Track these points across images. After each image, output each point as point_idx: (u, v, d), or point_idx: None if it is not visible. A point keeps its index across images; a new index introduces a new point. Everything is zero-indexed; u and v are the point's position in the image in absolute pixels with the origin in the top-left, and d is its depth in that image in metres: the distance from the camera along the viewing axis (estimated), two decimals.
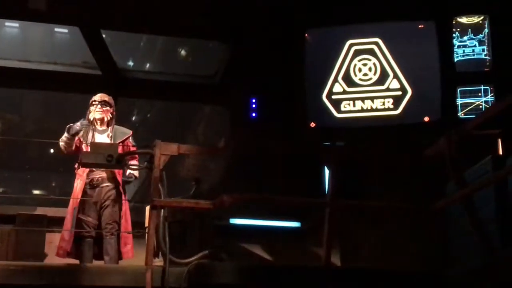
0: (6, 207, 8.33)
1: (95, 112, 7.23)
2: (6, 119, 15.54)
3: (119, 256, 7.02)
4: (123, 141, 7.10)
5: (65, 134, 6.96)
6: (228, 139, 8.94)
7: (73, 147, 7.02)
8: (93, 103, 7.29)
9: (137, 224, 7.28)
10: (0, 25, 13.21)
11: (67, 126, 6.97)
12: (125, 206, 7.07)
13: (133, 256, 6.92)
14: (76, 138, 6.99)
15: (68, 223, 6.99)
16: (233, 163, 8.95)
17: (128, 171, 6.97)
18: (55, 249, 6.99)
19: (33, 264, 5.69)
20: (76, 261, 6.86)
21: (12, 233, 7.51)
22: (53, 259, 7.81)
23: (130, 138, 7.22)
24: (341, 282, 5.55)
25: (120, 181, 7.07)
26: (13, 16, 9.99)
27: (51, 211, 8.17)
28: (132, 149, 6.93)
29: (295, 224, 8.16)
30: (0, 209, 8.38)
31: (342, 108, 9.25)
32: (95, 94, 7.58)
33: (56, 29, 14.10)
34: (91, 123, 7.18)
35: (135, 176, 7.07)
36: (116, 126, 7.29)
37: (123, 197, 7.08)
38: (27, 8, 8.78)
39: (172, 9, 9.20)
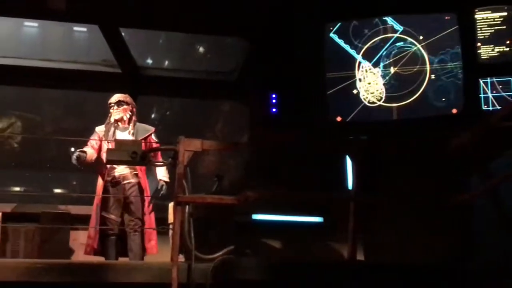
0: (30, 206, 8.39)
1: (114, 114, 7.36)
2: (26, 119, 15.65)
3: (144, 251, 7.07)
4: (145, 138, 7.16)
5: (75, 162, 7.11)
6: (250, 134, 8.94)
7: (93, 157, 7.16)
8: (110, 105, 7.44)
9: (161, 220, 7.32)
10: (20, 25, 13.30)
11: (74, 156, 7.07)
12: (151, 204, 7.14)
13: (157, 251, 6.97)
14: (92, 147, 7.14)
15: (93, 221, 7.07)
16: (254, 159, 8.94)
17: (159, 184, 7.05)
18: (79, 246, 7.08)
19: (59, 262, 5.72)
20: (102, 258, 6.92)
21: (37, 231, 7.58)
22: (77, 256, 7.89)
23: (152, 135, 7.29)
24: (365, 277, 5.53)
25: (142, 177, 7.12)
26: (33, 16, 10.04)
27: (74, 209, 8.26)
28: (155, 145, 6.98)
29: (318, 219, 8.14)
30: (23, 208, 8.46)
31: (366, 101, 9.19)
32: (114, 92, 7.66)
33: (75, 28, 14.16)
34: (114, 123, 7.32)
35: (165, 181, 7.11)
36: (138, 124, 7.37)
37: (146, 194, 7.13)
38: (47, 8, 8.81)
39: (190, 6, 9.21)
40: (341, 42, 9.25)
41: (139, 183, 7.22)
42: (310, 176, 8.23)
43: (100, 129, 7.43)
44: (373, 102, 9.11)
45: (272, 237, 7.72)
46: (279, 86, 9.49)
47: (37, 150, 15.46)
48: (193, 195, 5.43)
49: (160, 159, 6.65)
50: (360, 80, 9.21)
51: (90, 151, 7.31)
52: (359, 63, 9.21)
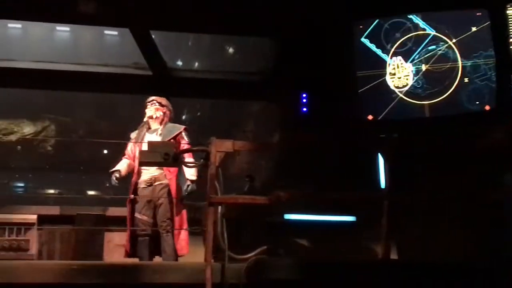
0: (64, 208, 8.49)
1: (147, 112, 7.44)
2: (59, 122, 15.81)
3: (176, 252, 7.10)
4: (173, 138, 7.19)
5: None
6: (281, 134, 8.94)
7: (132, 166, 7.25)
8: (146, 104, 7.52)
9: (193, 221, 7.35)
10: (52, 29, 13.44)
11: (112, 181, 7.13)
12: (182, 204, 7.16)
13: (188, 252, 6.99)
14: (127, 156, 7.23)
15: (128, 223, 7.14)
16: (285, 159, 8.94)
17: (186, 183, 7.08)
18: (113, 247, 7.14)
19: (94, 263, 5.78)
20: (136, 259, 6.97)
21: (72, 233, 7.65)
22: (112, 257, 7.95)
23: (182, 133, 7.29)
24: (399, 276, 5.50)
25: (172, 178, 7.15)
26: (64, 20, 10.16)
27: (108, 211, 8.31)
28: (186, 144, 7.00)
29: (350, 219, 8.12)
30: (58, 210, 8.55)
31: (397, 99, 9.12)
32: (145, 94, 7.74)
33: (106, 32, 14.26)
34: (146, 125, 7.38)
35: (191, 181, 7.14)
36: (169, 124, 7.39)
37: (175, 194, 7.15)
38: (78, 12, 8.92)
39: (220, 7, 9.24)
40: (372, 46, 9.21)
41: (169, 184, 7.26)
42: (342, 175, 8.21)
43: (133, 135, 7.49)
44: (406, 101, 9.05)
45: (305, 237, 7.73)
46: (310, 85, 9.48)
47: (70, 153, 15.60)
48: (225, 196, 5.45)
49: (191, 159, 6.68)
50: (391, 74, 9.15)
51: (124, 165, 7.41)
52: (391, 58, 9.16)
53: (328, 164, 8.29)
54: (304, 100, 9.56)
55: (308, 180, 7.90)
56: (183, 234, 7.06)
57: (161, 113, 7.44)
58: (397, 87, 9.12)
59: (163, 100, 7.57)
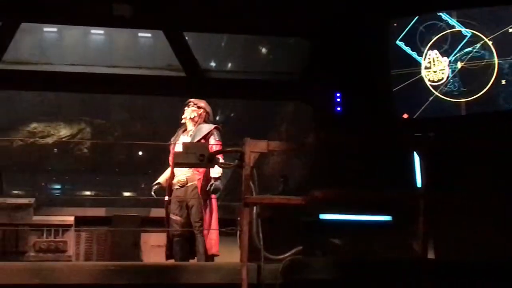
0: (101, 209, 8.57)
1: (184, 113, 7.54)
2: (95, 125, 15.98)
3: (207, 251, 7.13)
4: (203, 138, 7.23)
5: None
6: (314, 134, 8.89)
7: None
8: (184, 106, 7.62)
9: (226, 221, 7.36)
10: (87, 33, 13.62)
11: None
12: (213, 203, 7.18)
13: (217, 251, 7.01)
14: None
15: (167, 225, 7.22)
16: (320, 158, 8.91)
17: (210, 184, 7.10)
18: (150, 248, 7.20)
19: (131, 264, 5.83)
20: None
21: (109, 234, 7.72)
22: (148, 258, 8.01)
23: (213, 133, 7.32)
24: (437, 275, 5.45)
25: (200, 178, 7.19)
26: (99, 24, 10.27)
27: (143, 212, 8.37)
28: (216, 144, 7.02)
29: (386, 218, 8.05)
30: (95, 211, 8.64)
31: (433, 97, 9.02)
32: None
33: (140, 34, 14.38)
34: (183, 127, 7.46)
35: (215, 179, 7.15)
36: (201, 125, 7.43)
37: (204, 195, 7.17)
38: (112, 16, 8.99)
39: (253, 8, 9.24)
40: (408, 49, 9.12)
41: (202, 185, 7.29)
42: (377, 175, 8.15)
43: (173, 139, 7.57)
44: (442, 99, 8.95)
45: (341, 237, 7.68)
46: (343, 85, 9.42)
47: (106, 155, 15.77)
48: (260, 196, 5.45)
49: (222, 159, 6.71)
50: (426, 67, 9.05)
51: (165, 176, 7.53)
52: (426, 59, 9.07)
53: (363, 163, 8.24)
54: (338, 100, 9.52)
55: (343, 180, 7.87)
56: (212, 234, 7.08)
57: (196, 114, 7.49)
58: (432, 81, 9.01)
59: (200, 102, 7.63)
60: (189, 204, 7.23)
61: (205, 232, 7.11)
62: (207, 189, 7.15)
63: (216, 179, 7.12)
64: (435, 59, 8.98)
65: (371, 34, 9.16)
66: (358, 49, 9.16)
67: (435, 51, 9.02)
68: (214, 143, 7.18)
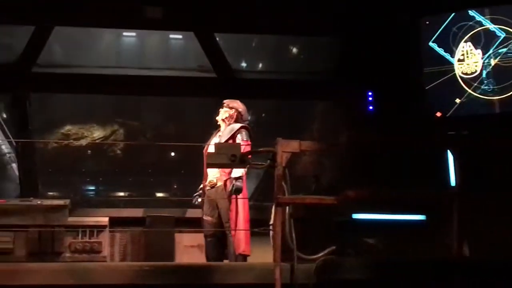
0: (135, 210, 8.64)
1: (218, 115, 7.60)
2: (128, 126, 16.10)
3: (235, 251, 7.14)
4: (231, 138, 7.26)
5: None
6: (347, 134, 8.88)
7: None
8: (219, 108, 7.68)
9: (259, 221, 7.37)
10: (119, 35, 13.70)
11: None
12: (240, 203, 7.19)
13: (245, 251, 7.01)
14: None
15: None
16: (352, 158, 8.87)
17: (231, 184, 7.11)
18: (183, 249, 7.24)
19: (165, 264, 5.88)
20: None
21: (142, 234, 7.78)
22: (182, 258, 8.06)
23: (241, 132, 7.32)
24: (472, 276, 5.39)
25: (229, 179, 7.21)
26: (131, 26, 10.36)
27: (176, 212, 8.42)
28: (243, 143, 7.03)
29: (420, 217, 8.00)
30: (129, 212, 8.72)
31: (466, 95, 8.93)
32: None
33: (171, 36, 14.44)
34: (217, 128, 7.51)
35: (235, 178, 7.15)
36: (231, 125, 7.45)
37: (236, 195, 7.18)
38: (144, 18, 9.07)
39: (282, 8, 9.24)
40: (441, 50, 9.05)
41: (226, 185, 7.32)
42: (411, 174, 8.10)
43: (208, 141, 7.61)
44: (476, 97, 8.85)
45: (374, 236, 7.65)
46: (376, 84, 9.38)
47: (139, 156, 15.86)
48: (292, 196, 5.45)
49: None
50: (459, 60, 8.96)
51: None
52: (459, 57, 8.99)
53: (396, 162, 8.19)
54: (370, 99, 9.48)
55: (375, 179, 7.83)
56: (239, 233, 7.09)
57: (227, 115, 7.52)
58: (465, 74, 8.92)
59: (232, 102, 7.65)
60: (218, 205, 7.27)
61: (233, 232, 7.14)
62: (229, 190, 7.17)
63: (236, 179, 7.13)
64: (469, 52, 8.89)
65: (403, 32, 9.11)
66: (390, 47, 9.11)
67: (469, 43, 8.93)
68: (241, 143, 7.18)
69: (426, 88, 9.02)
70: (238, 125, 7.40)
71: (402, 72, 9.05)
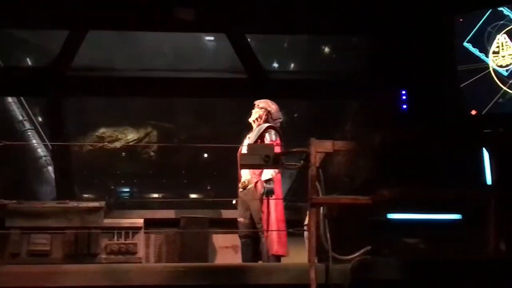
0: (169, 212, 8.69)
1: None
2: (162, 128, 16.21)
3: (268, 252, 7.13)
4: (259, 138, 7.25)
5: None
6: (380, 133, 8.82)
7: None
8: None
9: (293, 222, 7.35)
10: (151, 38, 13.80)
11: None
12: (271, 204, 7.17)
13: (279, 251, 6.99)
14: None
15: None
16: (385, 157, 8.81)
17: (264, 187, 7.10)
18: (217, 249, 7.25)
19: (200, 265, 5.90)
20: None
21: (177, 236, 7.81)
22: (216, 259, 8.08)
23: (270, 132, 7.31)
24: (508, 274, 5.32)
25: (257, 180, 7.21)
26: (163, 28, 10.41)
27: (210, 213, 8.45)
28: (269, 143, 7.02)
29: (455, 216, 7.91)
30: (163, 213, 8.77)
31: (502, 92, 8.82)
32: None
33: (203, 37, 14.52)
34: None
35: (265, 181, 7.15)
36: (260, 126, 7.45)
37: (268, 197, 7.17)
38: (176, 20, 9.12)
39: (314, 8, 9.22)
40: (476, 51, 8.95)
41: (257, 186, 7.31)
42: (446, 173, 8.01)
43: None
44: (507, 92, 8.73)
45: (409, 236, 7.58)
46: (409, 82, 9.30)
47: (172, 158, 15.97)
48: (327, 196, 5.43)
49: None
50: (494, 52, 8.84)
51: None
52: (493, 55, 8.87)
53: (431, 161, 8.11)
54: (404, 97, 9.40)
55: (410, 179, 7.76)
56: (272, 234, 7.08)
57: (257, 116, 7.53)
58: (500, 66, 8.80)
59: (261, 102, 7.64)
60: (250, 206, 7.28)
61: (266, 232, 7.14)
62: (260, 191, 7.16)
63: (266, 181, 7.11)
64: (504, 44, 8.77)
65: (437, 30, 9.02)
66: (424, 45, 9.02)
67: (504, 35, 8.81)
68: (268, 143, 7.17)
69: (461, 86, 8.93)
70: (265, 125, 7.38)
71: (436, 70, 8.97)
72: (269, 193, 7.05)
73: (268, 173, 7.05)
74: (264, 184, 7.08)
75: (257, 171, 7.15)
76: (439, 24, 9.06)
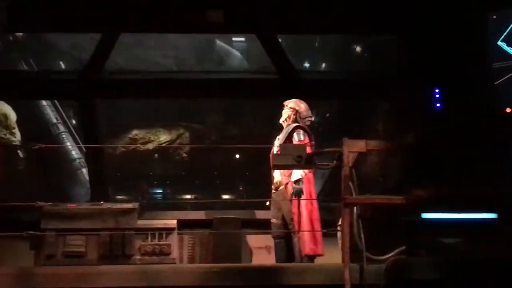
0: (202, 213, 8.73)
1: None
2: (193, 129, 16.29)
3: (299, 253, 7.11)
4: (287, 139, 7.25)
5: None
6: (414, 132, 8.76)
7: None
8: None
9: (327, 222, 7.32)
10: (182, 40, 13.88)
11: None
12: (302, 204, 7.15)
13: (309, 251, 6.97)
14: None
15: None
16: (419, 156, 8.74)
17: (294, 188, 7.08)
18: (251, 250, 7.26)
19: (233, 266, 5.90)
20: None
21: (210, 237, 7.84)
22: (250, 260, 8.10)
23: (298, 132, 7.30)
24: None
25: (288, 181, 7.19)
26: (194, 30, 10.45)
27: (243, 214, 8.47)
28: (296, 143, 7.00)
29: (491, 216, 7.80)
30: (196, 214, 8.81)
31: None
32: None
33: (234, 38, 14.58)
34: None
35: (295, 181, 7.12)
36: (288, 126, 7.45)
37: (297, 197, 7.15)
38: (207, 22, 9.14)
39: (345, 6, 9.18)
40: (510, 50, 8.83)
41: (287, 187, 7.30)
42: (480, 171, 7.92)
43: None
44: None
45: (444, 235, 7.50)
46: (442, 81, 9.20)
47: (204, 159, 16.04)
48: (360, 196, 5.40)
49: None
50: None
51: None
52: None
53: (465, 160, 8.02)
54: (437, 96, 9.31)
55: (444, 178, 7.69)
56: (304, 235, 7.06)
57: (286, 116, 7.54)
58: None
59: (290, 102, 7.65)
60: (281, 207, 7.28)
61: (298, 233, 7.12)
62: (290, 192, 7.15)
63: (295, 182, 7.09)
64: None
65: (469, 28, 8.92)
66: (457, 43, 8.92)
67: None
68: (297, 143, 7.15)
69: (495, 83, 8.82)
70: (293, 125, 7.38)
71: (470, 68, 8.86)
72: (298, 193, 7.04)
73: (297, 174, 7.03)
74: (293, 184, 7.07)
75: (287, 172, 7.14)
76: (472, 21, 8.96)
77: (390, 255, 5.34)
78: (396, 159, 10.86)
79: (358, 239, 5.30)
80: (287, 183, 7.20)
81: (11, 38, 13.47)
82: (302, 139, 7.19)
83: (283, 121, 7.54)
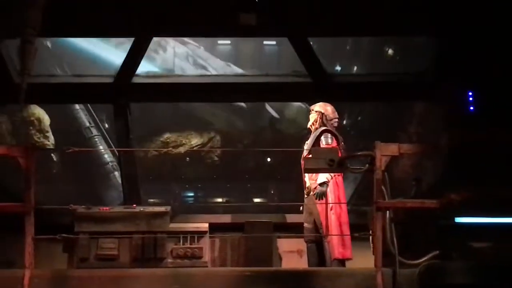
0: (233, 216, 8.73)
1: None
2: (224, 133, 16.34)
3: (331, 256, 7.09)
4: (315, 143, 7.24)
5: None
6: (447, 135, 8.68)
7: None
8: None
9: (359, 226, 7.28)
10: (213, 44, 13.96)
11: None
12: (329, 208, 7.13)
13: (339, 256, 6.93)
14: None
15: None
16: (452, 160, 8.64)
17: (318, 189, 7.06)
18: (282, 254, 7.26)
19: (265, 270, 5.91)
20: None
21: (242, 240, 7.84)
22: (282, 264, 8.08)
23: (326, 136, 7.28)
24: None
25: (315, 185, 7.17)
26: (226, 34, 10.47)
27: (274, 218, 8.46)
28: (323, 147, 6.97)
29: None
30: (227, 218, 8.82)
31: None
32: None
33: (265, 42, 14.59)
34: None
35: (319, 184, 7.09)
36: (316, 130, 7.44)
37: (324, 200, 7.13)
38: (239, 25, 9.15)
39: (376, 8, 9.11)
40: None
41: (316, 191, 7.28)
42: None
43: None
44: None
45: (478, 240, 7.41)
46: (476, 83, 9.08)
47: (235, 162, 16.08)
48: (393, 200, 5.36)
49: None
50: None
51: None
52: None
53: (499, 163, 7.90)
54: (471, 98, 9.19)
55: (478, 181, 7.58)
56: (333, 238, 7.04)
57: (312, 120, 7.56)
58: None
59: (315, 106, 7.70)
60: (312, 211, 7.28)
61: (327, 237, 7.12)
62: (314, 194, 7.14)
63: (320, 184, 7.08)
64: None
65: (504, 28, 8.79)
66: (491, 44, 8.80)
67: None
68: (324, 146, 7.14)
69: None
70: (321, 129, 7.40)
71: (504, 70, 8.73)
72: (319, 195, 7.03)
73: (323, 177, 7.03)
74: (318, 186, 7.06)
75: (315, 176, 7.13)
76: (506, 22, 8.82)
77: (423, 259, 5.29)
78: (429, 162, 10.76)
79: (390, 243, 5.26)
80: (315, 187, 7.19)
81: (48, 43, 13.69)
82: (330, 143, 7.19)
83: (311, 125, 7.57)
